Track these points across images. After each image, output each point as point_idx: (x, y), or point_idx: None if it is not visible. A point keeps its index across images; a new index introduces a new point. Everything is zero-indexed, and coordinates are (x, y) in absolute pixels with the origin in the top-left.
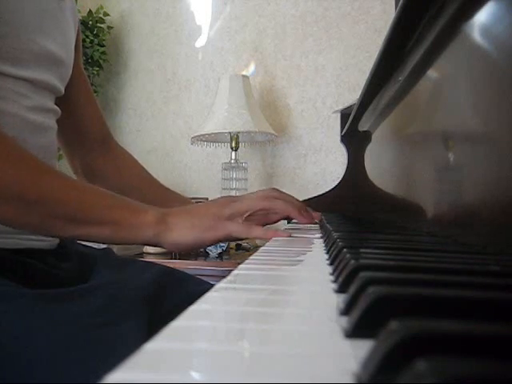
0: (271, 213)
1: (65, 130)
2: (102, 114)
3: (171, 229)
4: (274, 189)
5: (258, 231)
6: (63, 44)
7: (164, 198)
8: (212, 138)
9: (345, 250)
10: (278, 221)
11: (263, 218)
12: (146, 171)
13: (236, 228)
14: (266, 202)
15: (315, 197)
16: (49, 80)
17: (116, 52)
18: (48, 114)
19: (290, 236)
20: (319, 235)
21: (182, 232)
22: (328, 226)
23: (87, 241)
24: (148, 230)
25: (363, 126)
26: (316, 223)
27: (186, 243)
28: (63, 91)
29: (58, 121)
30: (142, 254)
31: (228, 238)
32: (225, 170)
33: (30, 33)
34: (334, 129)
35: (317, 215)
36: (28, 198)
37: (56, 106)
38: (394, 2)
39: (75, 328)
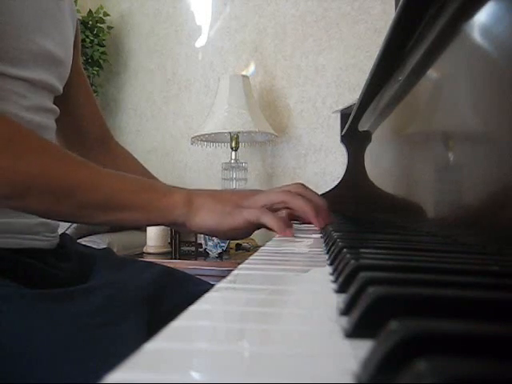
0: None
1: (64, 130)
2: (101, 113)
3: (196, 210)
4: (300, 184)
5: (268, 217)
6: (62, 44)
7: None
8: (212, 138)
9: (345, 249)
10: (294, 219)
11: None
12: (147, 170)
13: (250, 213)
14: (287, 197)
15: None
16: (47, 80)
17: (116, 52)
18: (47, 114)
19: (293, 236)
20: (319, 235)
21: (205, 215)
22: (328, 226)
23: (118, 225)
24: (175, 212)
25: (363, 125)
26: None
27: (207, 227)
28: (62, 91)
29: (57, 121)
30: (142, 254)
31: (245, 225)
32: (225, 169)
33: (29, 33)
34: (333, 129)
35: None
36: (57, 190)
37: (55, 106)
38: (393, 2)
39: (75, 328)
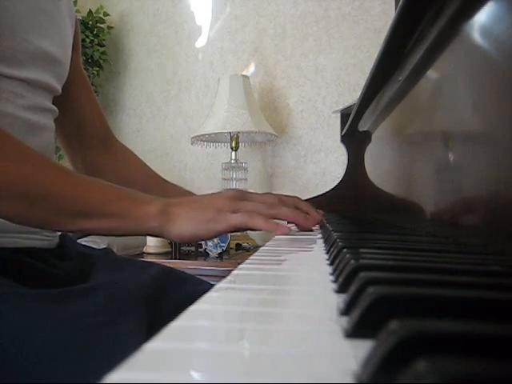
0: None
1: (65, 129)
2: (101, 111)
3: (173, 220)
4: (277, 199)
5: (259, 220)
6: (59, 43)
7: (165, 192)
8: (212, 138)
9: (345, 250)
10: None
11: None
12: (147, 166)
13: (238, 219)
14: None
15: (315, 197)
16: (45, 79)
17: (116, 52)
18: (44, 114)
19: (289, 233)
20: (319, 235)
21: (183, 224)
22: (328, 225)
23: (93, 234)
24: (151, 222)
25: (363, 125)
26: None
27: (187, 235)
28: (60, 90)
29: (58, 120)
30: (142, 254)
31: (230, 231)
32: (225, 170)
33: (24, 32)
34: (333, 129)
35: (320, 215)
36: (32, 196)
37: (53, 106)
38: (393, 2)
39: (75, 328)
